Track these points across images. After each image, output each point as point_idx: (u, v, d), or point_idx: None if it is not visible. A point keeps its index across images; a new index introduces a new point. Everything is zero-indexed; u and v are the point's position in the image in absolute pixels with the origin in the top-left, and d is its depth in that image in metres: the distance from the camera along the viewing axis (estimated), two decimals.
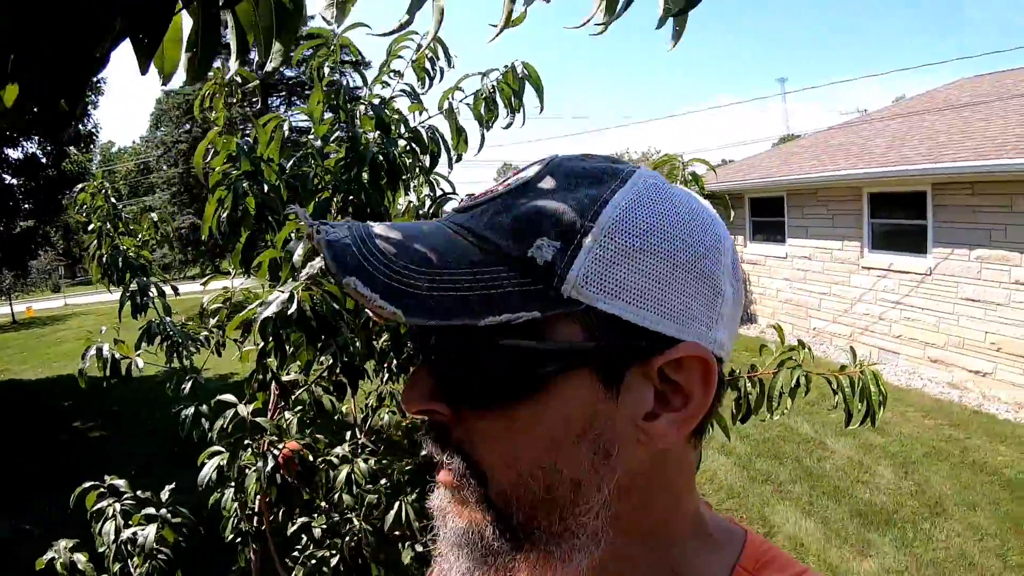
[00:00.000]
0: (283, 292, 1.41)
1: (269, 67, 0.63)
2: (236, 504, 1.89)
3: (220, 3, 0.57)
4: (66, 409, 10.60)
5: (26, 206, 16.24)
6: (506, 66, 2.01)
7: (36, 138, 15.83)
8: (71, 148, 16.70)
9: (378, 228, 0.56)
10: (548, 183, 0.57)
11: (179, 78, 0.65)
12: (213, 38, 0.58)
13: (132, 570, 1.94)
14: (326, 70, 1.99)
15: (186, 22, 0.61)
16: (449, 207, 2.15)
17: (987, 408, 7.84)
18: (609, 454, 0.55)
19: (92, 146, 21.41)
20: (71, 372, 15.41)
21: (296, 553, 2.04)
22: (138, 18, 0.49)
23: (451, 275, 0.52)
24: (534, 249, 0.53)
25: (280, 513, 1.82)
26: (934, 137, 9.98)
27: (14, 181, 16.06)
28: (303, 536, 2.02)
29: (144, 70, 0.53)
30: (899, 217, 9.59)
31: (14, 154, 15.95)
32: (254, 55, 0.71)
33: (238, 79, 1.97)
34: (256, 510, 1.88)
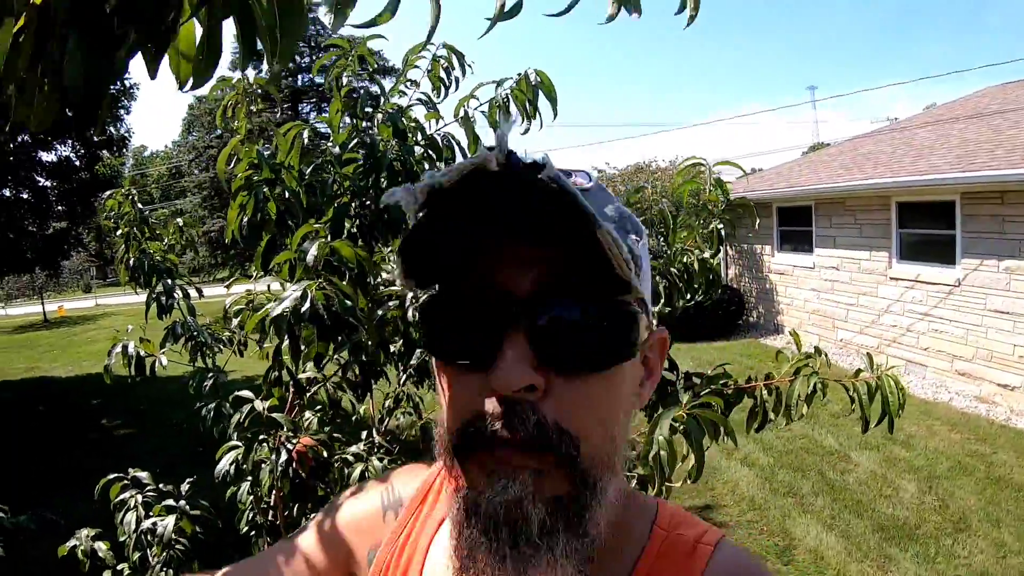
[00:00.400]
0: (296, 290, 1.45)
1: (275, 68, 0.66)
2: (251, 497, 1.94)
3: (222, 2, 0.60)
4: (94, 407, 10.79)
5: (59, 208, 16.52)
6: (519, 74, 2.05)
7: (69, 141, 16.13)
8: (104, 152, 16.97)
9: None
10: (604, 194, 0.68)
11: (208, 85, 0.70)
12: (216, 45, 0.63)
13: (151, 559, 1.99)
14: (344, 79, 2.04)
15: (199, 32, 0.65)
16: None
17: (1015, 423, 7.72)
18: (629, 413, 0.68)
19: (125, 150, 21.76)
20: (100, 371, 15.62)
21: None
22: (145, 30, 0.53)
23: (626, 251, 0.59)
24: (631, 244, 0.63)
25: (294, 508, 1.87)
26: (963, 146, 9.87)
27: (48, 183, 16.36)
28: None
29: (153, 75, 0.57)
30: (928, 227, 9.49)
31: (48, 157, 16.26)
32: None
33: (257, 89, 2.02)
34: (272, 504, 1.93)
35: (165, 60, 0.62)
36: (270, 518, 1.98)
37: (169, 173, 50.71)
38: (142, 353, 2.05)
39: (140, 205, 2.24)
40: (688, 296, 2.18)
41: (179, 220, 2.34)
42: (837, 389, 2.06)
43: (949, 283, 8.99)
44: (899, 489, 6.09)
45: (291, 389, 1.88)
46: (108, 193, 2.28)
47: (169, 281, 2.19)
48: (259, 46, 0.62)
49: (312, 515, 2.14)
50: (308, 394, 1.95)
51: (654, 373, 0.71)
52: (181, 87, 0.66)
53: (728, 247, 14.55)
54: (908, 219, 9.87)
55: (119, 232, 2.23)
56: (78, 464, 7.72)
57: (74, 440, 8.93)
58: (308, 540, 0.85)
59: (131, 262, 2.18)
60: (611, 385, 0.63)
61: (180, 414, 9.09)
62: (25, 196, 16.19)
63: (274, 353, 1.68)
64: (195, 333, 2.15)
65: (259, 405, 1.75)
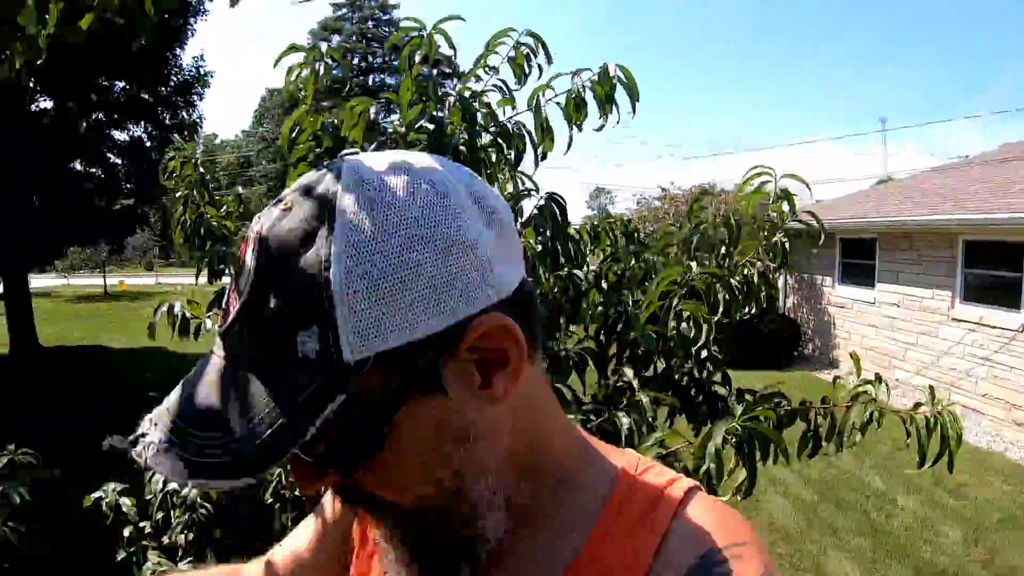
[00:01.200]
0: None
1: None
2: (279, 469, 1.91)
3: None
4: (146, 381, 10.98)
5: (128, 186, 17.00)
6: (602, 66, 1.99)
7: (143, 123, 16.63)
8: (175, 135, 17.43)
9: (175, 415, 0.56)
10: (268, 272, 0.54)
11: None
12: None
13: (173, 521, 2.00)
14: (417, 58, 2.01)
15: None
16: (526, 204, 2.15)
17: None
18: (469, 438, 0.59)
19: (196, 136, 22.29)
20: (154, 345, 16.06)
21: None
22: None
23: (259, 418, 0.52)
24: (300, 347, 0.52)
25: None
26: None
27: (119, 161, 16.86)
28: None
29: None
30: (994, 268, 9.18)
31: (121, 136, 16.78)
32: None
33: (329, 60, 2.00)
34: None
35: None
36: (296, 492, 1.95)
37: (238, 162, 51.94)
38: (188, 315, 2.05)
39: (202, 169, 2.26)
40: (745, 309, 2.12)
41: (239, 188, 2.35)
42: (890, 428, 1.98)
43: (1012, 328, 8.67)
44: (944, 537, 5.87)
45: None
46: (170, 155, 2.30)
47: (223, 248, 2.19)
48: None
49: None
50: None
51: (508, 356, 0.58)
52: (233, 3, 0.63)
53: (787, 276, 14.30)
54: (974, 259, 9.57)
55: (178, 194, 2.24)
56: (123, 430, 7.86)
57: (123, 409, 9.09)
58: (321, 512, 0.89)
59: (187, 223, 2.19)
60: (387, 470, 0.58)
61: None
62: (96, 171, 16.71)
63: None
64: None
65: None
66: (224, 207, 2.32)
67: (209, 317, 2.08)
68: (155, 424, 0.55)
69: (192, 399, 0.56)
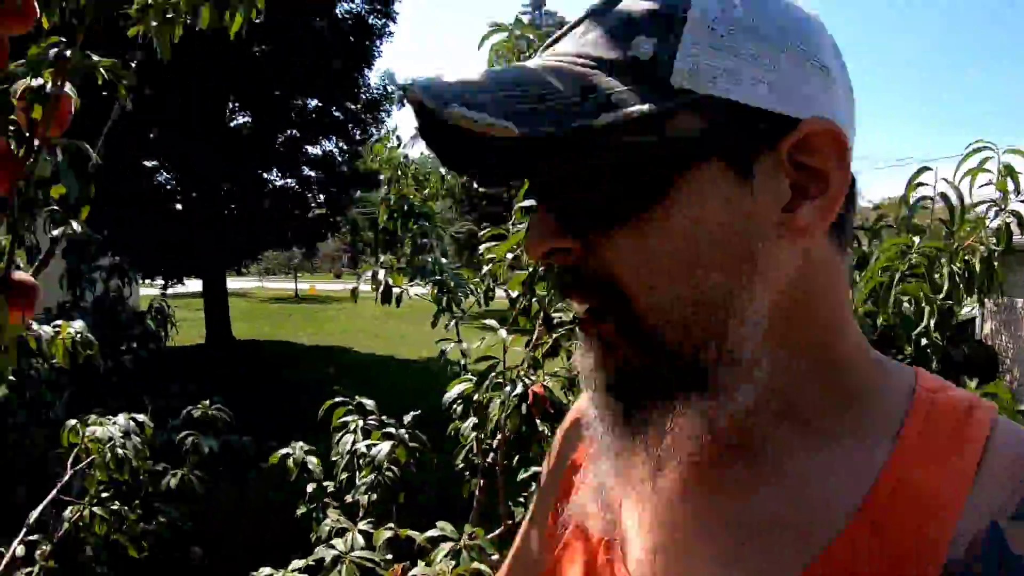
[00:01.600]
0: None
1: None
2: (474, 435, 1.92)
3: None
4: (328, 375, 11.58)
5: (320, 197, 18.16)
6: None
7: (334, 138, 17.73)
8: (363, 149, 18.48)
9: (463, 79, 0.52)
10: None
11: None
12: None
13: (357, 480, 2.05)
14: None
15: None
16: None
17: None
18: (754, 256, 0.52)
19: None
20: (340, 344, 17.09)
21: (522, 498, 2.03)
22: None
23: (559, 92, 0.50)
24: (634, 49, 0.50)
25: (515, 460, 1.82)
26: None
27: (312, 174, 18.05)
28: (533, 484, 2.02)
29: None
30: None
31: (313, 150, 17.97)
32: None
33: (530, 36, 2.01)
34: (494, 446, 1.89)
35: None
36: (488, 460, 1.95)
37: (424, 177, 54.61)
38: (391, 281, 2.11)
39: (407, 151, 2.36)
40: (967, 300, 1.95)
41: (442, 169, 2.42)
42: None
43: None
44: None
45: (539, 325, 1.79)
46: (375, 138, 2.42)
47: (425, 223, 2.26)
48: None
49: (534, 466, 2.09)
50: (556, 333, 1.85)
51: (828, 184, 0.52)
52: None
53: (984, 300, 13.07)
54: None
55: (382, 176, 2.35)
56: (306, 422, 8.32)
57: (302, 400, 9.64)
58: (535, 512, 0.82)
59: (391, 201, 2.28)
60: (648, 237, 0.51)
61: (409, 400, 9.57)
62: (292, 183, 17.98)
63: (527, 280, 1.64)
64: (444, 272, 2.18)
65: (503, 334, 1.72)
66: (427, 189, 2.41)
67: (412, 286, 2.14)
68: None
69: (483, 77, 0.53)
